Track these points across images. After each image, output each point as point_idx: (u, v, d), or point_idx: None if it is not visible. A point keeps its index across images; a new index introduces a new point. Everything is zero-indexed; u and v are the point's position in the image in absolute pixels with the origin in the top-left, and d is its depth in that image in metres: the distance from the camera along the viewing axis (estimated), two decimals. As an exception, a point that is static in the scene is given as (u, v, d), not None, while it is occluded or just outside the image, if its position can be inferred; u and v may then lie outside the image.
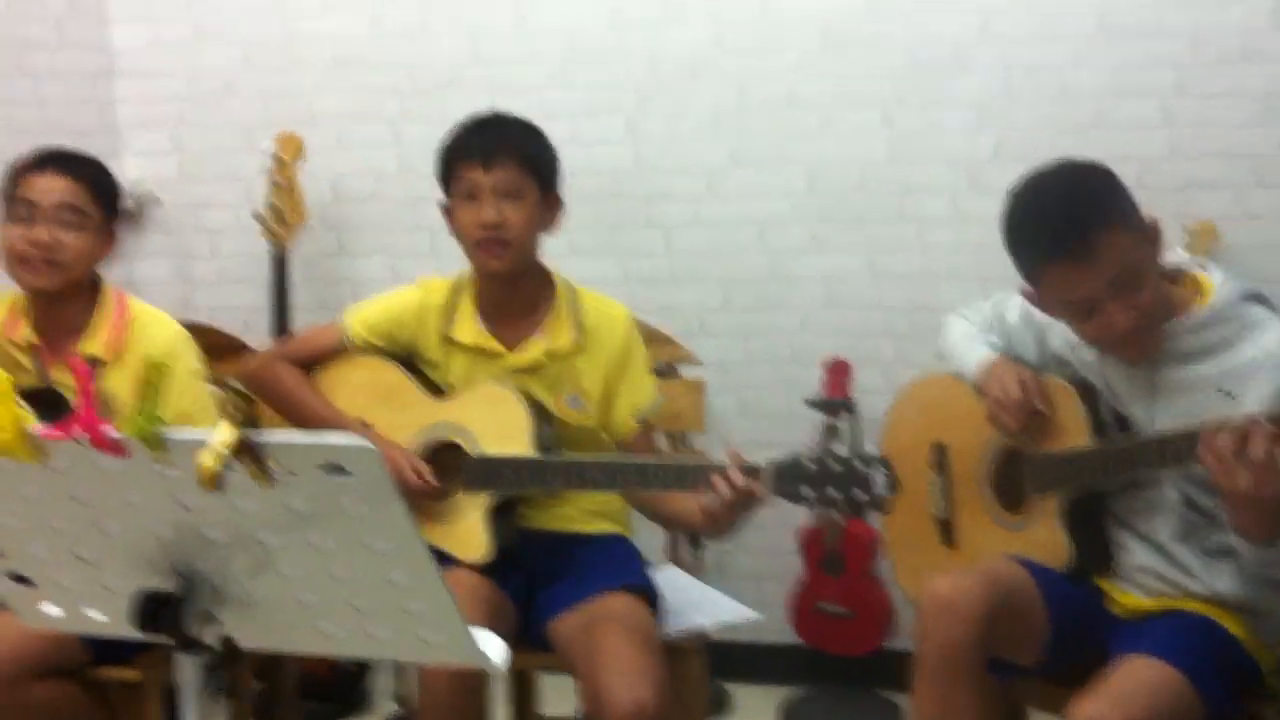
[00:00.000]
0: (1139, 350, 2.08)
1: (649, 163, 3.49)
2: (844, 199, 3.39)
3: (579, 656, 2.21)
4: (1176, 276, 2.15)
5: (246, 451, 1.28)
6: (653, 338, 2.88)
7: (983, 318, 2.42)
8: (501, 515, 2.36)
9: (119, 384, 2.43)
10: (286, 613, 1.45)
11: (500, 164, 2.33)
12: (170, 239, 3.81)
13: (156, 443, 1.30)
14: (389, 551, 1.36)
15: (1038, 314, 2.26)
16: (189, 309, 3.78)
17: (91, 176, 2.48)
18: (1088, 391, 2.18)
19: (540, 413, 2.37)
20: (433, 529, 2.37)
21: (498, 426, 2.35)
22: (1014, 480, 2.28)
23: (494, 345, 2.42)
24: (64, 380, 2.44)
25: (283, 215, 3.41)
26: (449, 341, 2.45)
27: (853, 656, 3.36)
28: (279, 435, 1.32)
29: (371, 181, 3.65)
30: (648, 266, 3.53)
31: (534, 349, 2.41)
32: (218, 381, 2.52)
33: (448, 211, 2.43)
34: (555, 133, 3.40)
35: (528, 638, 2.36)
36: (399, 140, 3.62)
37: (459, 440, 2.38)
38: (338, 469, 1.29)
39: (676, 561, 2.87)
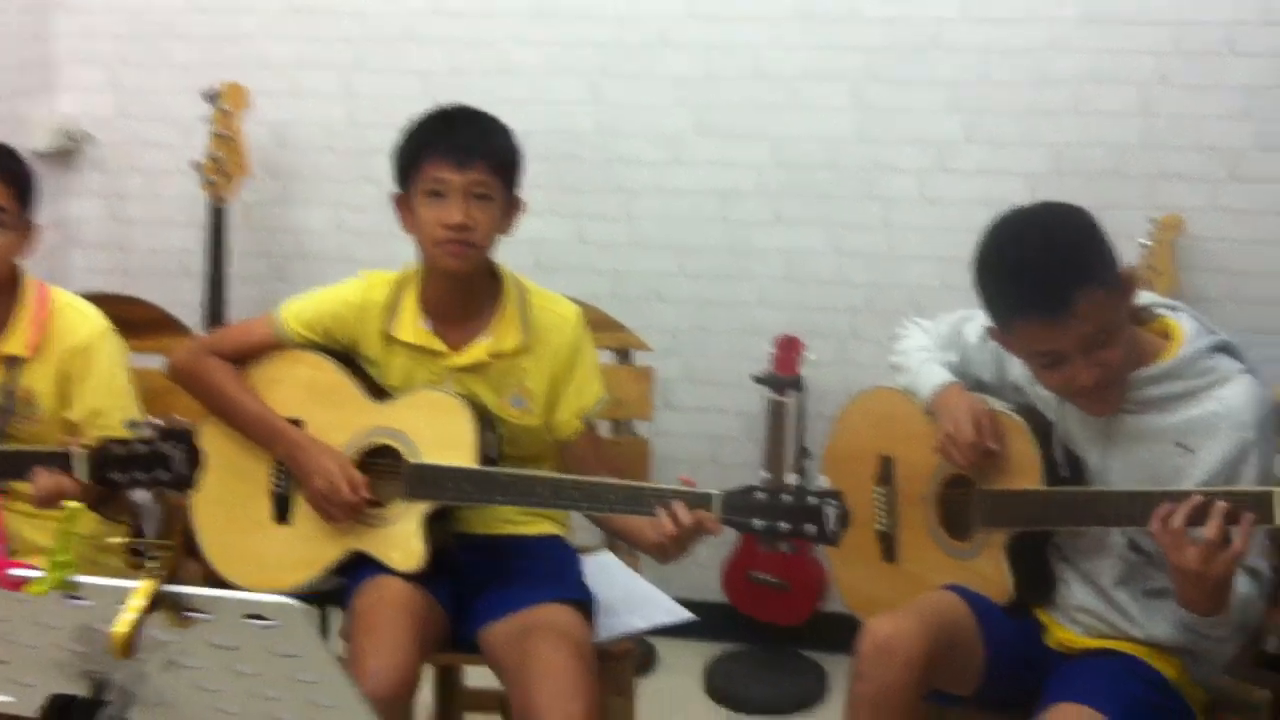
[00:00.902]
0: (1101, 405, 2.02)
1: (611, 127, 3.36)
2: (809, 174, 3.28)
3: (510, 666, 2.17)
4: (1146, 319, 2.08)
5: (166, 604, 1.19)
6: (603, 323, 2.79)
7: (940, 332, 2.34)
8: (437, 522, 2.28)
9: (39, 380, 2.35)
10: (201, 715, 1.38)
11: (474, 165, 2.21)
12: (105, 178, 3.66)
13: (71, 588, 1.21)
14: (315, 682, 1.28)
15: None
16: (123, 249, 3.68)
17: (3, 171, 2.30)
18: (1042, 430, 2.11)
19: (485, 421, 2.28)
20: (364, 535, 2.29)
21: (440, 434, 2.26)
22: (960, 506, 2.23)
23: (437, 345, 2.32)
24: None
25: (224, 167, 3.26)
26: (390, 339, 2.34)
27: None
28: (201, 592, 1.22)
29: (320, 132, 3.51)
30: (605, 230, 3.43)
31: (479, 349, 2.31)
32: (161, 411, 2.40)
33: (401, 202, 2.31)
34: (514, 90, 3.33)
35: (457, 641, 2.31)
36: (350, 91, 3.47)
37: (397, 446, 2.29)
38: (260, 617, 1.20)
39: (612, 547, 2.80)
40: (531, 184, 3.35)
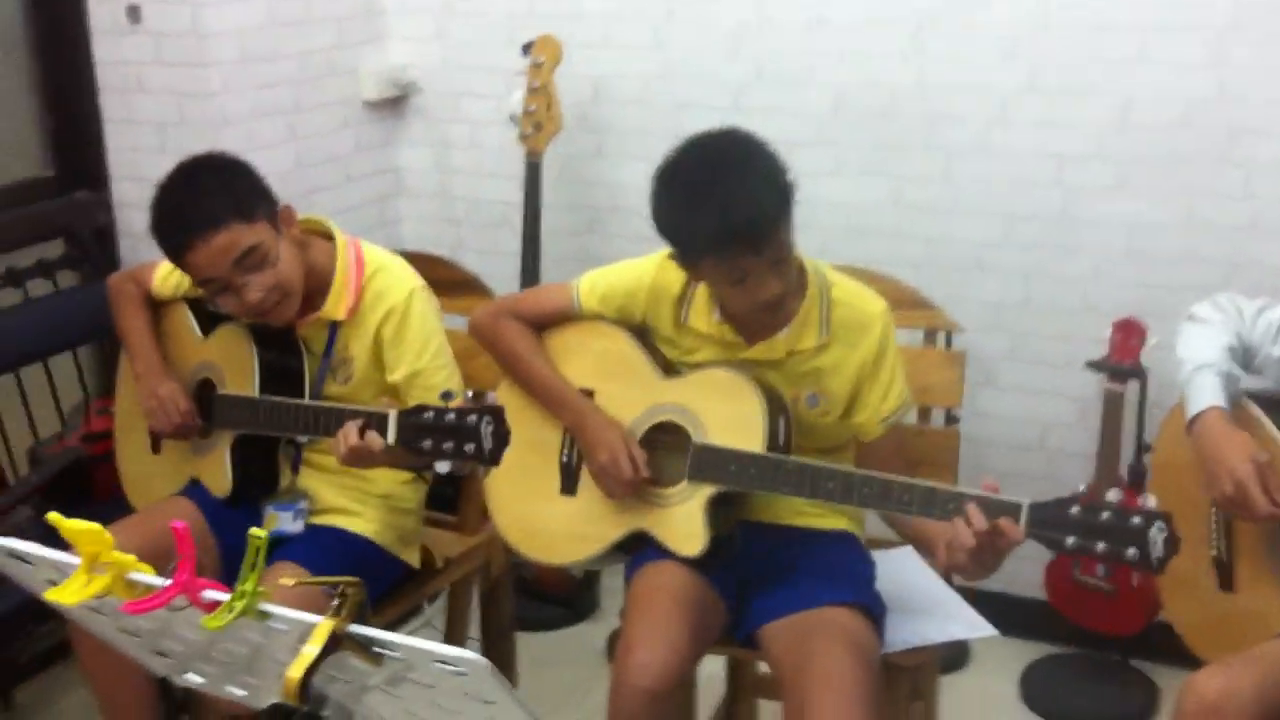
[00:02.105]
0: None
1: (933, 82, 3.12)
2: (1160, 136, 2.94)
3: (789, 669, 2.07)
4: None
5: (351, 644, 1.15)
6: (912, 300, 2.61)
7: (1254, 324, 2.11)
8: (721, 507, 2.19)
9: (356, 342, 2.39)
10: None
11: (768, 241, 2.04)
12: (430, 127, 3.73)
13: (260, 616, 1.18)
14: None
15: None
16: (447, 198, 3.76)
17: (231, 208, 2.22)
18: None
19: (777, 407, 2.16)
20: (646, 514, 2.22)
21: (729, 416, 2.16)
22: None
23: (731, 336, 2.21)
24: (306, 335, 2.42)
25: (539, 121, 3.25)
26: (683, 326, 2.26)
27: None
28: (384, 635, 1.18)
29: (635, 84, 3.43)
30: (922, 194, 3.19)
31: (777, 347, 2.19)
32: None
33: (684, 263, 2.17)
34: (829, 43, 3.15)
35: (737, 635, 2.23)
36: (661, 44, 3.37)
37: (684, 424, 2.21)
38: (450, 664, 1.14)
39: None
40: (845, 142, 3.23)
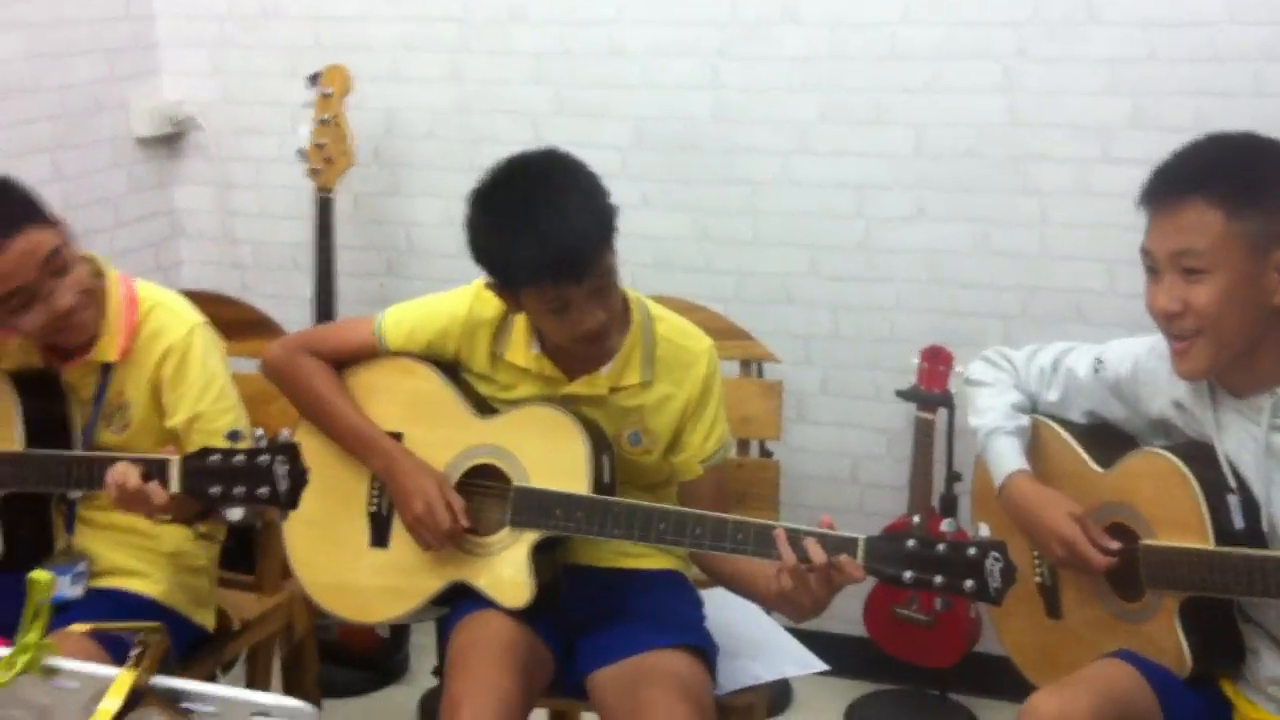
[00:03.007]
0: None
1: (731, 113, 3.10)
2: (954, 164, 2.98)
3: (621, 716, 1.97)
4: None
5: (154, 699, 1.00)
6: (727, 331, 2.56)
7: (1030, 370, 2.15)
8: (546, 553, 2.08)
9: (131, 386, 2.22)
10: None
11: (590, 268, 1.96)
12: (211, 166, 3.53)
13: (48, 672, 1.02)
14: None
15: (1130, 370, 2.00)
16: (230, 240, 3.57)
17: (26, 210, 2.10)
18: (1208, 477, 1.84)
19: (601, 445, 2.07)
20: (466, 565, 2.10)
21: (549, 456, 2.06)
22: (1128, 561, 1.95)
23: (550, 371, 2.11)
24: (73, 381, 2.23)
25: (329, 155, 3.09)
26: (499, 360, 2.15)
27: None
28: (199, 687, 1.03)
29: (429, 117, 3.32)
30: (728, 226, 3.17)
31: (600, 383, 2.10)
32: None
33: (501, 292, 2.07)
34: (627, 73, 3.11)
35: (564, 685, 2.12)
36: (457, 75, 3.27)
37: (503, 466, 2.10)
38: (265, 714, 1.00)
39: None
40: (647, 176, 3.19)
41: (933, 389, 2.93)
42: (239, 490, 1.90)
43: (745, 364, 2.60)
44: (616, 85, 3.16)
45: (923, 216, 3.03)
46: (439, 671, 3.01)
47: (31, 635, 1.04)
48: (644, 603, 2.14)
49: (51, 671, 1.08)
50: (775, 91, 3.06)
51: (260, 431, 1.97)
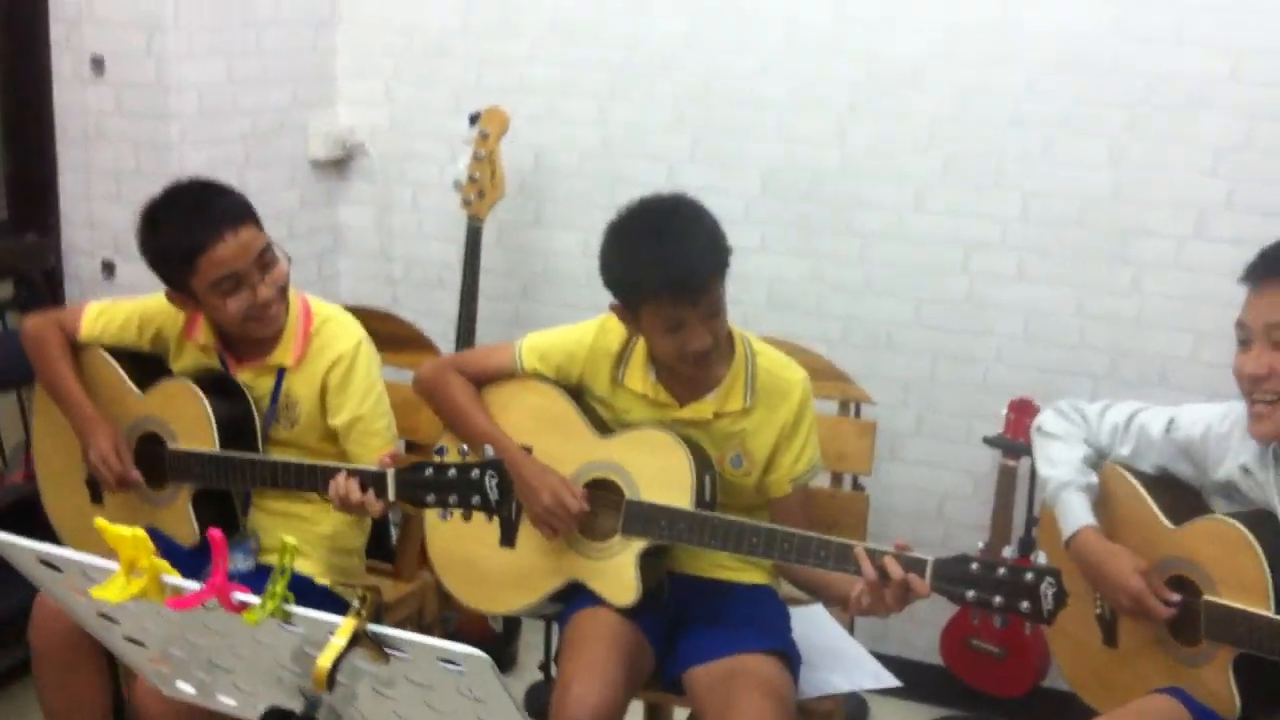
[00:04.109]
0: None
1: (855, 167, 3.35)
2: (1059, 231, 3.20)
3: (713, 710, 2.22)
4: None
5: (367, 642, 1.29)
6: (828, 372, 2.81)
7: (1102, 426, 2.33)
8: (652, 559, 2.36)
9: (302, 388, 2.52)
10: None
11: (704, 293, 2.24)
12: (374, 188, 3.87)
13: (285, 617, 1.33)
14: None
15: (1201, 433, 2.18)
16: (385, 258, 3.90)
17: (245, 208, 2.42)
18: (1272, 541, 2.02)
19: (704, 465, 2.33)
20: (582, 566, 2.38)
21: (659, 473, 2.33)
22: (1189, 609, 2.15)
23: (664, 397, 2.39)
24: (246, 382, 2.53)
25: (482, 189, 3.41)
26: (619, 385, 2.42)
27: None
28: (402, 634, 1.32)
29: (574, 157, 3.62)
30: (841, 273, 3.42)
31: (704, 407, 2.37)
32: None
33: (624, 311, 2.35)
34: (762, 124, 3.37)
35: (663, 678, 2.38)
36: (604, 119, 3.57)
37: (617, 480, 2.37)
38: (451, 662, 1.29)
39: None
40: (771, 220, 3.44)
41: (1018, 438, 3.14)
42: (452, 498, 2.21)
43: (844, 404, 2.84)
44: (750, 134, 3.43)
45: (1023, 278, 3.25)
46: (545, 667, 3.32)
47: (279, 586, 1.34)
48: (739, 611, 2.39)
49: (288, 616, 1.38)
50: (896, 149, 3.29)
51: (465, 449, 2.28)
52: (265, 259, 2.40)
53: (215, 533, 1.39)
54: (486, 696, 1.34)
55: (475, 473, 2.19)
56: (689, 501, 2.29)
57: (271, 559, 2.52)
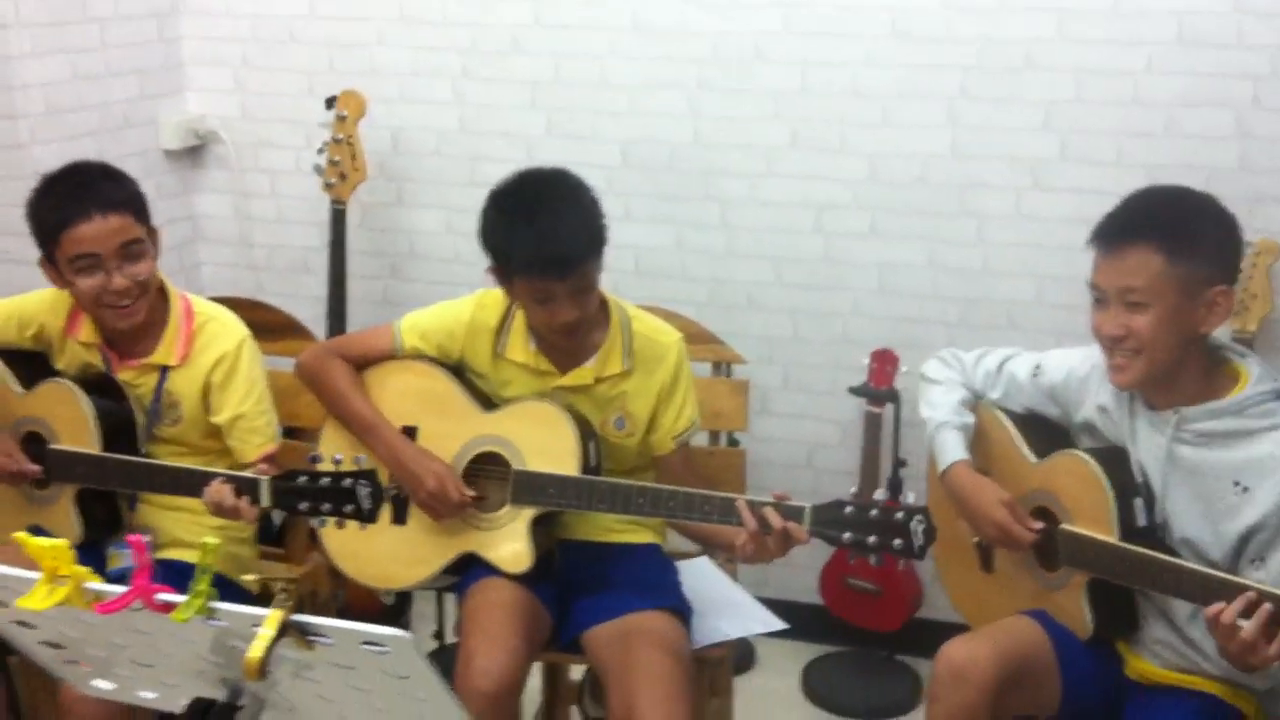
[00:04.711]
0: None
1: (708, 139, 3.46)
2: (906, 190, 3.35)
3: (613, 669, 2.31)
4: (1217, 360, 2.16)
5: (293, 631, 1.35)
6: (700, 336, 2.92)
7: (978, 372, 2.47)
8: (542, 527, 2.43)
9: (184, 386, 2.54)
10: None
11: (574, 271, 2.31)
12: (231, 176, 3.85)
13: (210, 614, 1.37)
14: (424, 700, 1.44)
15: (1064, 378, 2.32)
16: (247, 245, 3.87)
17: (126, 198, 2.45)
18: (1120, 478, 2.18)
19: (587, 432, 2.41)
20: (474, 538, 2.45)
21: (544, 443, 2.40)
22: (1049, 539, 2.30)
23: (545, 365, 2.46)
24: (129, 380, 2.53)
25: (343, 171, 3.42)
26: (500, 358, 2.49)
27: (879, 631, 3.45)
28: (326, 622, 1.38)
29: (432, 137, 3.65)
30: (703, 239, 3.53)
31: (584, 373, 2.45)
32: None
33: (499, 277, 2.41)
34: (616, 102, 3.46)
35: (559, 640, 2.46)
36: (461, 100, 3.61)
37: (503, 453, 2.44)
38: (376, 644, 1.35)
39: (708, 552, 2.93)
40: (632, 192, 3.54)
41: (881, 386, 3.30)
42: (326, 506, 2.25)
43: (716, 365, 2.95)
44: (604, 111, 3.51)
45: (875, 235, 3.41)
46: (439, 635, 3.37)
47: (202, 585, 1.38)
48: (629, 571, 2.49)
49: (212, 613, 1.42)
50: (748, 123, 3.41)
51: (340, 456, 2.32)
52: (130, 250, 2.42)
53: (136, 538, 1.42)
54: (411, 674, 1.40)
55: (347, 481, 2.23)
56: (575, 468, 2.37)
57: (165, 554, 2.53)
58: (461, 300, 2.55)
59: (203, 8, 3.72)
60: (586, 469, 2.38)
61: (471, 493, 2.41)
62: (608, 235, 2.37)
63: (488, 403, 2.50)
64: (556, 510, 2.42)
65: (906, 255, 3.40)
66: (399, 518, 2.52)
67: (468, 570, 2.47)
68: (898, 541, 2.08)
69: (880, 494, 2.15)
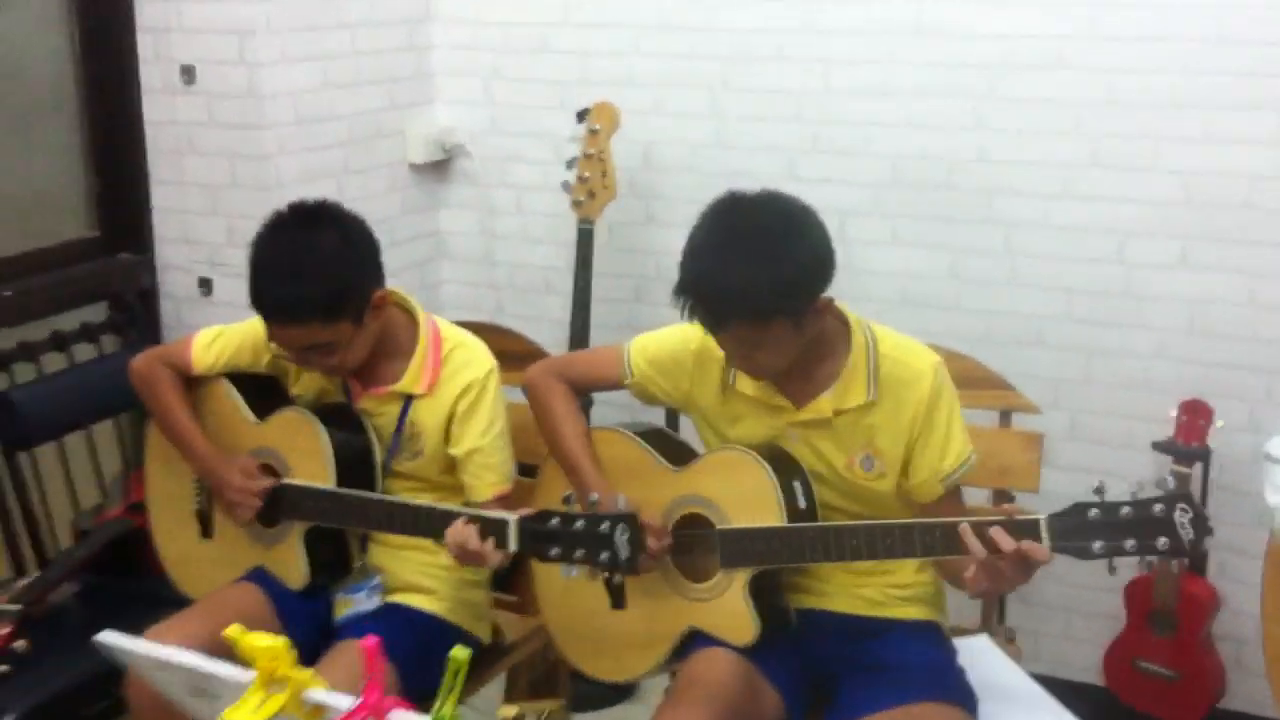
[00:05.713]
0: None
1: (995, 153, 3.10)
2: (1219, 214, 2.93)
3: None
4: None
5: None
6: (980, 379, 2.57)
7: None
8: (764, 589, 2.14)
9: (428, 418, 2.36)
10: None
11: (725, 326, 2.01)
12: (476, 191, 3.70)
13: None
14: None
15: None
16: (490, 263, 3.73)
17: (309, 306, 2.17)
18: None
19: (789, 473, 2.11)
20: (692, 610, 2.19)
21: (743, 495, 2.12)
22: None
23: (778, 400, 2.15)
24: (369, 409, 2.37)
25: (592, 189, 3.21)
26: (730, 390, 2.20)
27: (1172, 721, 3.02)
28: None
29: (687, 151, 3.41)
30: (980, 266, 3.18)
31: (822, 405, 2.12)
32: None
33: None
34: (889, 112, 3.14)
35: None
36: (716, 111, 3.35)
37: (705, 513, 2.17)
38: None
39: (988, 628, 2.58)
40: (900, 213, 3.21)
41: (1190, 442, 2.87)
42: (579, 553, 2.00)
43: (1005, 415, 2.59)
44: (875, 123, 3.20)
45: (1185, 265, 2.98)
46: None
47: (447, 708, 1.15)
48: (903, 652, 2.16)
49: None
50: (1042, 136, 3.05)
51: (596, 496, 2.10)
52: (317, 350, 2.23)
53: (369, 642, 1.19)
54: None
55: (605, 525, 1.98)
56: (779, 516, 2.07)
57: (396, 598, 2.37)
58: (692, 326, 2.24)
59: (455, 14, 3.59)
60: (796, 515, 2.08)
61: (669, 540, 2.16)
62: (817, 280, 2.01)
63: (678, 459, 2.24)
64: (773, 569, 2.13)
65: (1223, 289, 2.96)
66: (618, 601, 2.27)
67: (693, 647, 2.20)
68: (1162, 540, 1.76)
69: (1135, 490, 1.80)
